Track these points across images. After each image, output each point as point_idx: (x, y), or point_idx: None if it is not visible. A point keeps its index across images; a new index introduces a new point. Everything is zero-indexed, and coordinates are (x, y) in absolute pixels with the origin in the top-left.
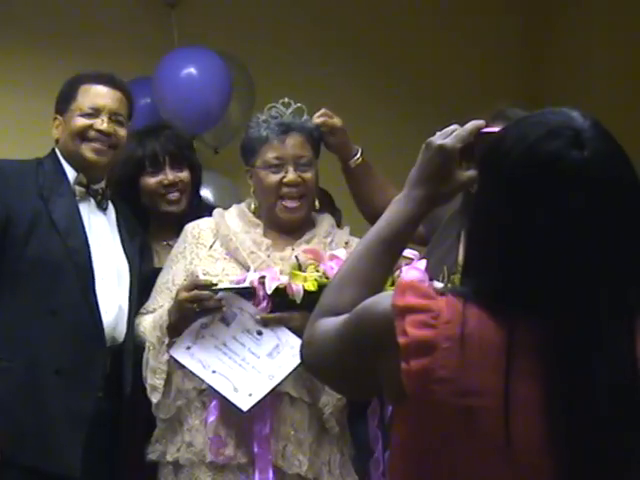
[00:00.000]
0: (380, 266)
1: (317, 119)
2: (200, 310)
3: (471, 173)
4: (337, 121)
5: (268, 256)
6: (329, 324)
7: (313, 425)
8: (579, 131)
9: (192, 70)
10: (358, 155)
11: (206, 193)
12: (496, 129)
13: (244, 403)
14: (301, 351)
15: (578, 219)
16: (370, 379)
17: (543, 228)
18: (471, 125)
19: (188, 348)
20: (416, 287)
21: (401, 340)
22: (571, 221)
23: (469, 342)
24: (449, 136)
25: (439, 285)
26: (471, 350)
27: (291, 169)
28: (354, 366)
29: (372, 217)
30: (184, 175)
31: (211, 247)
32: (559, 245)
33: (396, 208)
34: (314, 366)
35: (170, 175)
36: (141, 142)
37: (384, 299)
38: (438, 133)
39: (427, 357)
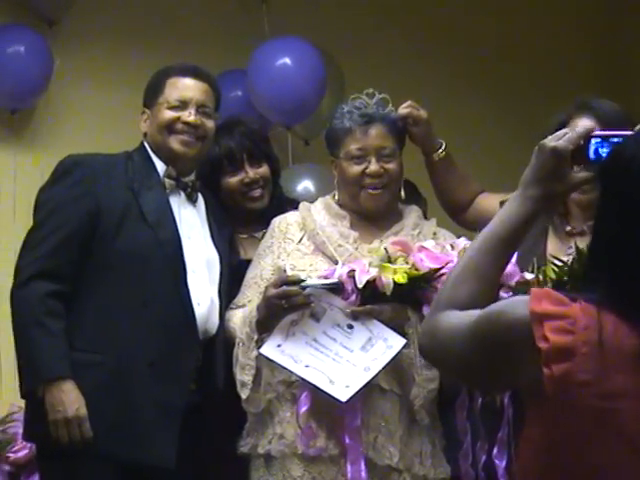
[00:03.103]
0: (496, 263)
1: (402, 110)
2: (289, 306)
3: (584, 175)
4: (422, 113)
5: (356, 249)
6: (454, 319)
7: (403, 416)
8: None
9: (287, 61)
10: (442, 149)
11: (308, 185)
12: (605, 132)
13: (342, 394)
14: (421, 340)
15: None
16: (491, 376)
17: None
18: (581, 128)
19: (279, 346)
20: (551, 294)
21: (542, 345)
22: None
23: (607, 347)
24: (561, 139)
25: (530, 276)
26: (609, 354)
27: (373, 160)
28: (478, 363)
29: (453, 210)
30: (263, 170)
31: (300, 242)
32: None
33: (511, 207)
34: (436, 357)
35: (250, 172)
36: (216, 141)
37: (519, 304)
38: (550, 136)
39: (568, 362)
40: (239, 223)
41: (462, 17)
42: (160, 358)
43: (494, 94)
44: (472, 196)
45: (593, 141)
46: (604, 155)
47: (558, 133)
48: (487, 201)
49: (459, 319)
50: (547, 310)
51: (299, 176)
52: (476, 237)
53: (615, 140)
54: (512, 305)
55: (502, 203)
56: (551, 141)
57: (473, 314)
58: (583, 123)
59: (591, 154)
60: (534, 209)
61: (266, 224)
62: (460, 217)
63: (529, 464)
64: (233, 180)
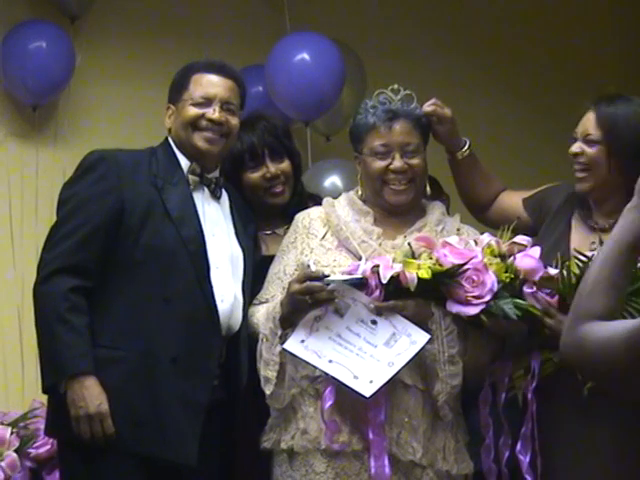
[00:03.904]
0: (624, 270)
1: (427, 108)
2: (312, 302)
3: None
4: (447, 112)
5: (379, 245)
6: (605, 332)
7: (427, 412)
8: None
9: (305, 56)
10: (466, 147)
11: (335, 180)
12: None
13: (366, 389)
14: (567, 351)
15: None
16: None
17: None
18: None
19: (302, 341)
20: None
21: None
22: None
23: None
24: None
25: (554, 272)
26: None
27: (397, 156)
28: (637, 373)
29: (475, 208)
30: (285, 165)
31: (323, 237)
32: None
33: (632, 217)
34: (585, 367)
35: (272, 168)
36: (239, 136)
37: None
38: None
39: None
40: (261, 219)
41: (484, 9)
42: (183, 354)
43: (517, 88)
44: (495, 194)
45: None
46: None
47: None
48: (509, 199)
49: (611, 332)
50: None
51: (326, 171)
52: (600, 249)
53: None
54: None
55: (525, 200)
56: None
57: (626, 325)
58: None
59: None
60: None
61: (288, 220)
62: (483, 215)
63: None
64: (255, 175)
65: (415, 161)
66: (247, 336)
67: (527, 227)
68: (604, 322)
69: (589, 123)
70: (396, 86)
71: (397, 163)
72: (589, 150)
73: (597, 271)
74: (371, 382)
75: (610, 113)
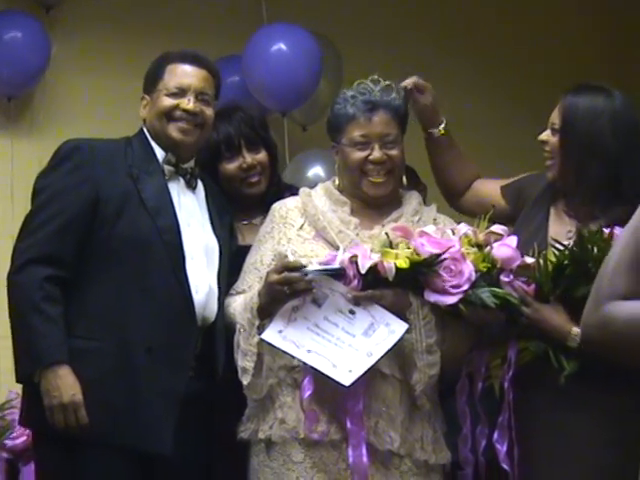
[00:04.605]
0: None
1: (407, 82)
2: (290, 292)
3: None
4: (427, 84)
5: (357, 235)
6: (632, 308)
7: (404, 401)
8: None
9: (282, 47)
10: (443, 125)
11: (318, 170)
12: None
13: (345, 378)
14: (589, 331)
15: None
16: None
17: None
18: None
19: (280, 332)
20: None
21: None
22: None
23: None
24: None
25: (530, 260)
26: None
27: (377, 147)
28: None
29: (451, 193)
30: (261, 156)
31: (301, 228)
32: None
33: None
34: (609, 346)
35: (248, 158)
36: (215, 127)
37: None
38: None
39: None
40: (238, 209)
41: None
42: (159, 344)
43: (498, 80)
44: (470, 180)
45: None
46: None
47: None
48: (485, 187)
49: (638, 309)
50: None
51: (309, 161)
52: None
53: None
54: None
55: (503, 188)
56: None
57: None
58: None
59: None
60: None
61: (265, 210)
62: (458, 202)
63: None
64: (231, 166)
65: (394, 152)
66: (224, 327)
67: (505, 215)
68: (630, 301)
69: (555, 112)
70: (376, 76)
71: (376, 154)
72: (552, 139)
73: (619, 254)
74: (350, 371)
75: (572, 103)
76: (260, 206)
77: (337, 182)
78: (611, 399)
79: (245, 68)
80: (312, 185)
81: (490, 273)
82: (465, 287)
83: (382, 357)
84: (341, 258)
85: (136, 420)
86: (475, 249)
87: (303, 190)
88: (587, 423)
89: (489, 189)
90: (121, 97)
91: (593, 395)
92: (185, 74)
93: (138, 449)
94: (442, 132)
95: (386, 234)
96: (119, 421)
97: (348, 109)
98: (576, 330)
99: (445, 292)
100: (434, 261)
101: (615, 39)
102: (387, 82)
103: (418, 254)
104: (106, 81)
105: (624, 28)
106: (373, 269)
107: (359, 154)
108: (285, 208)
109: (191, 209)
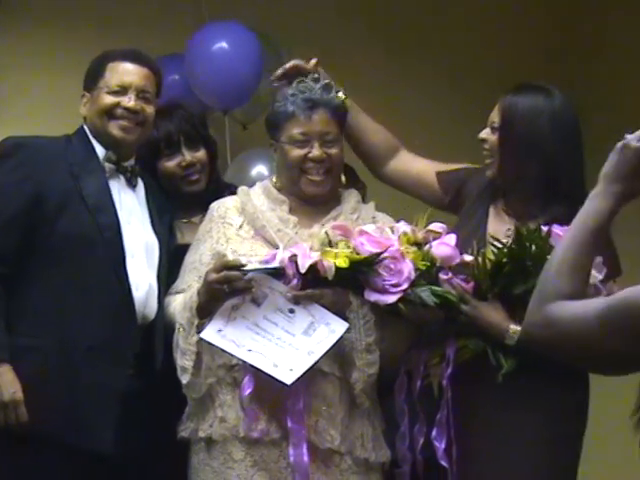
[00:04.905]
0: (588, 254)
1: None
2: (230, 291)
3: None
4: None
5: (296, 233)
6: (575, 309)
7: (344, 400)
8: None
9: (224, 45)
10: (341, 92)
11: (262, 169)
12: None
13: (287, 377)
14: (533, 330)
15: None
16: (627, 360)
17: None
18: None
19: (220, 331)
20: None
21: None
22: None
23: None
24: None
25: (469, 258)
26: None
27: (317, 145)
28: (612, 348)
29: (373, 160)
30: (201, 154)
31: (240, 227)
32: None
33: (597, 203)
34: (554, 345)
35: (187, 156)
36: (155, 124)
37: None
38: (630, 136)
39: None
40: (177, 207)
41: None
42: (99, 342)
43: (439, 77)
44: (392, 147)
45: None
46: None
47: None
48: (415, 162)
49: (582, 309)
50: None
51: (252, 160)
52: (566, 232)
53: None
54: None
55: (440, 175)
56: (635, 140)
57: (596, 303)
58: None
59: None
60: (616, 205)
61: (204, 209)
62: (381, 169)
63: None
64: (170, 163)
65: (333, 151)
66: (163, 325)
67: (438, 201)
68: (573, 301)
69: (495, 111)
70: (316, 75)
71: (316, 152)
72: (491, 137)
73: (562, 253)
74: (291, 370)
75: (512, 102)
76: (199, 204)
77: (275, 181)
78: (550, 397)
79: (187, 67)
80: (255, 184)
81: (429, 271)
82: (404, 286)
83: (323, 356)
84: (281, 257)
85: (76, 418)
86: (414, 247)
87: (242, 189)
88: (526, 421)
89: (420, 166)
90: (65, 95)
91: (532, 393)
92: (126, 72)
93: (78, 447)
94: (342, 98)
95: (326, 232)
96: (59, 419)
97: (288, 107)
98: (514, 328)
99: (385, 291)
100: (374, 260)
101: (559, 37)
102: (327, 81)
103: (358, 253)
104: (50, 79)
105: (567, 27)
106: (313, 268)
107: (298, 152)
108: (224, 207)
109: (131, 207)
